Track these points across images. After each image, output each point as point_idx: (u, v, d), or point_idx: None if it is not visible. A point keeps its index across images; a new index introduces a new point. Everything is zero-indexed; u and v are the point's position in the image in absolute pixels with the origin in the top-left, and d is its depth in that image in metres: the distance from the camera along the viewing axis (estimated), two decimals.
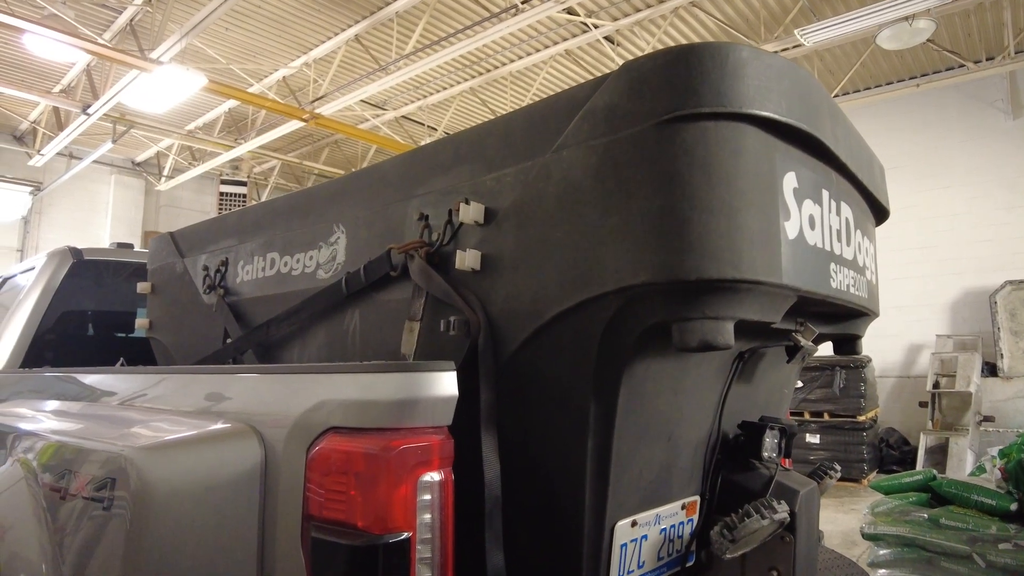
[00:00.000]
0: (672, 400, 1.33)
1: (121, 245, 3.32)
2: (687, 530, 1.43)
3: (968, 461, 7.06)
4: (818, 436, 7.76)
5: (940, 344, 8.66)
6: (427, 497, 0.99)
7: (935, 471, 3.97)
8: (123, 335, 3.34)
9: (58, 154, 10.54)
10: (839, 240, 1.38)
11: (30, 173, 11.24)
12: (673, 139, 1.08)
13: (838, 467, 1.69)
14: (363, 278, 1.51)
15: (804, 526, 1.44)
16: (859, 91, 8.91)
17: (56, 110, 9.62)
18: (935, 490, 3.66)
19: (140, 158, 12.18)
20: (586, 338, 1.17)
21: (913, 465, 7.44)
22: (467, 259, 1.29)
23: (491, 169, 1.33)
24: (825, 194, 1.33)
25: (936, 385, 8.37)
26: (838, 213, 1.39)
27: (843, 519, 5.69)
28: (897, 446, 8.31)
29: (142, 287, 2.46)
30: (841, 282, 1.37)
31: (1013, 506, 3.29)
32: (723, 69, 1.09)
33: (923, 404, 8.30)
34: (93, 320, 3.24)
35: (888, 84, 8.83)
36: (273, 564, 1.07)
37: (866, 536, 3.65)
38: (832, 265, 1.33)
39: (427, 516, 0.99)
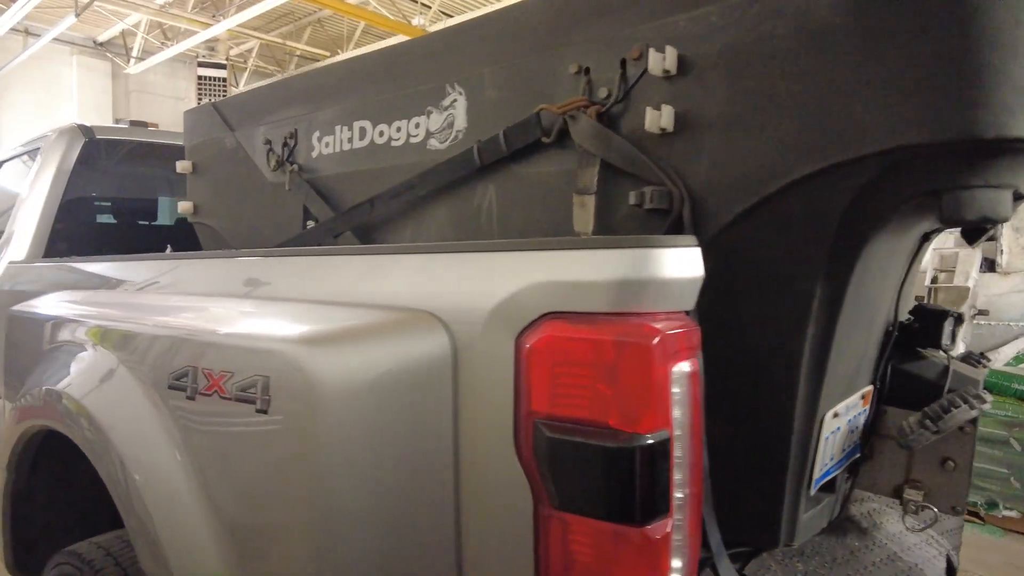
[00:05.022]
0: (880, 283, 1.19)
1: (134, 123, 2.98)
2: (861, 421, 1.34)
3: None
4: None
5: (941, 240, 8.70)
6: (678, 391, 0.84)
7: None
8: (145, 223, 3.08)
9: (12, 30, 9.60)
10: None
11: None
12: None
13: (989, 356, 1.60)
14: (503, 146, 1.29)
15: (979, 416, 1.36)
16: None
17: None
18: None
19: (103, 37, 11.19)
20: (824, 212, 0.99)
21: None
22: (659, 118, 1.08)
23: (683, 7, 1.10)
24: None
25: (934, 280, 8.50)
26: None
27: None
28: None
29: (182, 166, 2.19)
30: None
31: None
32: None
33: (919, 298, 8.46)
34: (112, 207, 2.96)
35: None
36: (475, 470, 0.93)
37: None
38: None
39: (678, 412, 0.84)
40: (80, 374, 1.38)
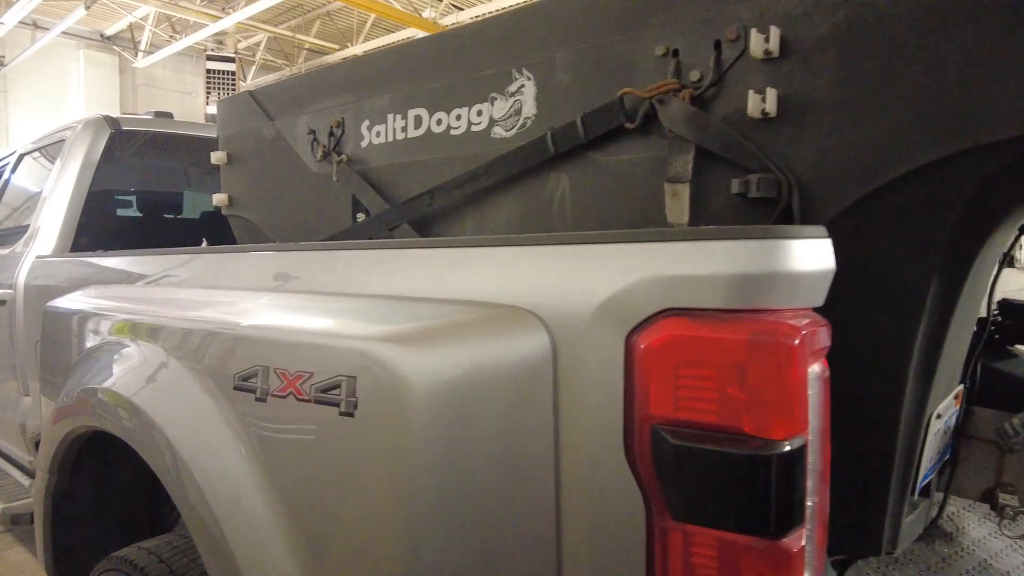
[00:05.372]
0: (984, 278, 1.12)
1: (159, 114, 2.92)
2: (953, 421, 1.27)
3: None
4: None
5: None
6: (811, 393, 0.78)
7: None
8: (172, 216, 3.02)
9: (20, 23, 9.54)
10: None
11: None
12: None
13: None
14: (581, 133, 1.22)
15: None
16: None
17: None
18: None
19: (111, 31, 11.12)
20: (946, 201, 0.93)
21: None
22: (763, 102, 1.02)
23: None
24: None
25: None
26: None
27: None
28: None
29: (216, 157, 2.13)
30: None
31: None
32: None
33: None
34: (140, 199, 2.89)
35: None
36: (579, 479, 0.86)
37: None
38: None
39: (811, 416, 0.78)
40: (131, 374, 1.32)
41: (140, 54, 11.04)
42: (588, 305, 0.86)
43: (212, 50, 10.54)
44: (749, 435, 0.74)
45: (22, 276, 2.43)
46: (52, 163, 2.72)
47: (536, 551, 0.89)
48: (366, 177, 1.65)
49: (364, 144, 1.67)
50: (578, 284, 0.88)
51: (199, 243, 2.84)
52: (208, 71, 10.19)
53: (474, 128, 1.43)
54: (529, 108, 1.34)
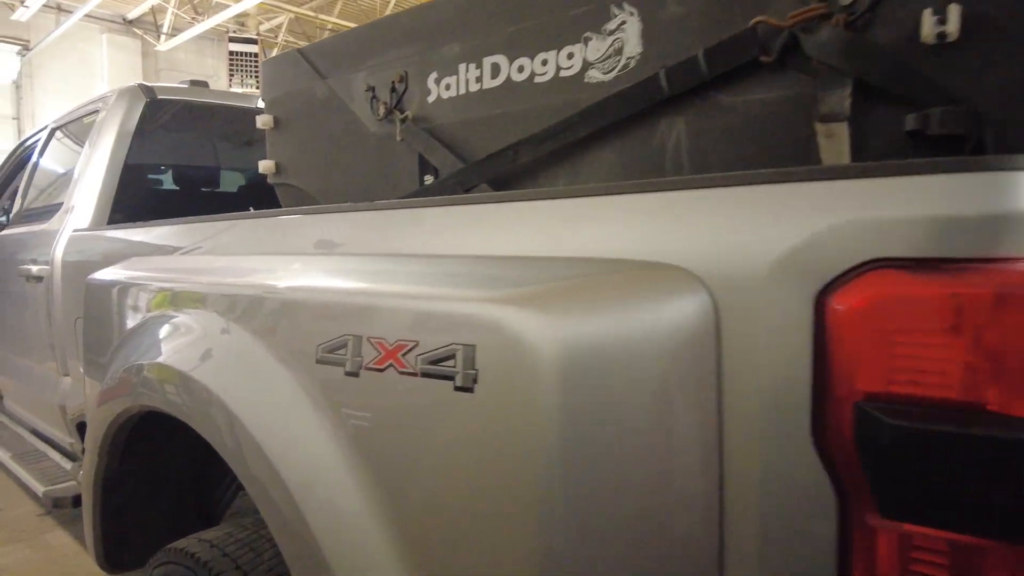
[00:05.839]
0: None
1: (194, 83, 2.79)
2: None
3: None
4: None
5: None
6: None
7: None
8: (208, 189, 2.90)
9: (44, 7, 9.49)
10: None
11: (14, 30, 10.20)
12: None
13: None
14: (704, 70, 1.06)
15: None
16: None
17: None
18: None
19: (132, 14, 11.04)
20: None
21: None
22: (941, 23, 0.85)
23: None
24: None
25: None
26: None
27: None
28: None
29: (262, 120, 1.99)
30: None
31: None
32: None
33: None
34: (175, 172, 2.77)
35: None
36: (748, 468, 0.71)
37: None
38: None
39: None
40: (189, 348, 1.19)
41: (162, 37, 10.96)
42: (762, 259, 0.70)
43: (234, 32, 10.41)
44: (995, 414, 0.59)
45: (59, 252, 2.32)
46: (86, 136, 2.60)
47: (693, 555, 0.74)
48: (435, 135, 1.50)
49: (431, 99, 1.52)
50: (748, 234, 0.73)
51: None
52: (231, 53, 10.07)
53: (564, 73, 1.27)
54: (633, 46, 1.18)
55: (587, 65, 1.24)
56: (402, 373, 0.82)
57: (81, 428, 2.24)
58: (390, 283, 0.91)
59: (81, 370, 1.74)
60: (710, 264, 0.74)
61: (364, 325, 0.87)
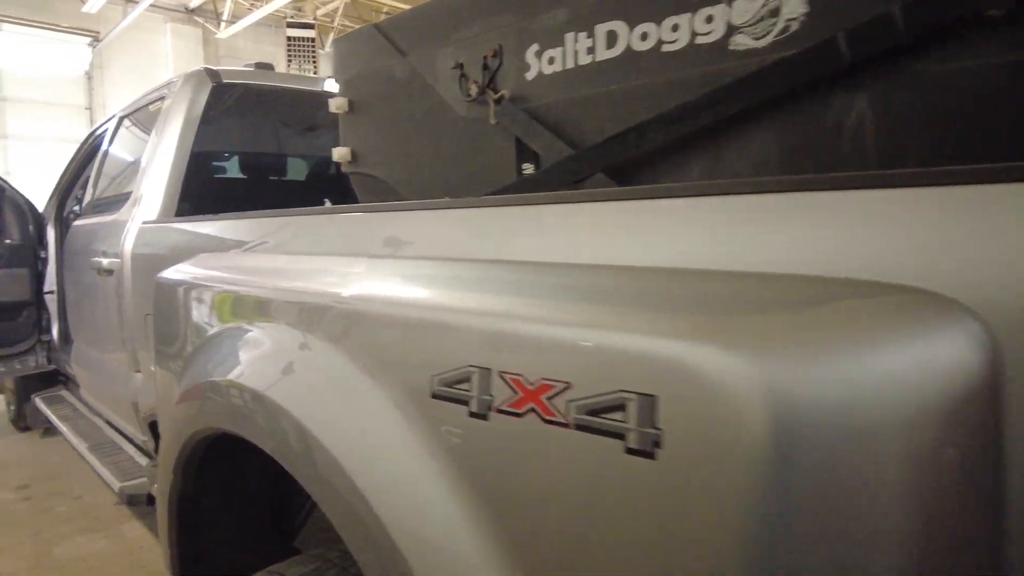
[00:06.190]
0: None
1: (260, 66, 2.67)
2: None
3: None
4: None
5: None
6: None
7: None
8: (276, 177, 2.79)
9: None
10: None
11: (85, 21, 10.48)
12: None
13: None
14: (902, 30, 0.83)
15: None
16: None
17: None
18: None
19: (194, 3, 11.20)
20: None
21: None
22: None
23: None
24: None
25: None
26: None
27: None
28: None
29: (336, 104, 1.84)
30: None
31: None
32: None
33: None
34: (243, 159, 2.67)
35: None
36: None
37: None
38: None
39: None
40: (270, 369, 1.04)
41: (222, 24, 11.07)
42: None
43: (291, 17, 10.43)
44: None
45: (128, 244, 2.25)
46: (152, 124, 2.52)
47: None
48: (536, 116, 1.32)
49: (531, 75, 1.33)
50: None
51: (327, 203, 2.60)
52: (288, 38, 10.09)
53: (700, 40, 1.06)
54: (794, 6, 0.96)
55: (732, 30, 1.03)
56: (547, 422, 0.64)
57: (153, 427, 2.17)
58: (526, 299, 0.73)
59: (152, 368, 1.64)
60: (980, 288, 0.53)
61: (494, 354, 0.70)
